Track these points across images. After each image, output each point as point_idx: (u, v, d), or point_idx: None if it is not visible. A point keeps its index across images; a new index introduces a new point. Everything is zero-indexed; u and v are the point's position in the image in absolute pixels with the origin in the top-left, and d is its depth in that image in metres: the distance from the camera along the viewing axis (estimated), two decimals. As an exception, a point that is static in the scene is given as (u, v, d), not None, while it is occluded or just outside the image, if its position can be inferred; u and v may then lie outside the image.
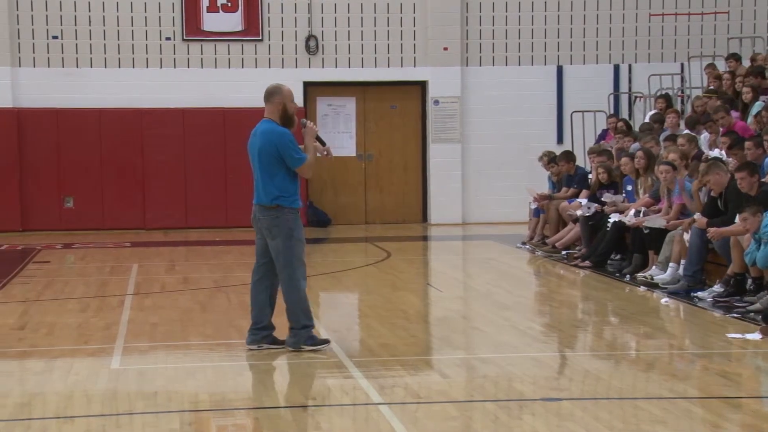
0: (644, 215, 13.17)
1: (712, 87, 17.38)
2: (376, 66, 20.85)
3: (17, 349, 9.22)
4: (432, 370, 8.34)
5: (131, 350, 9.14)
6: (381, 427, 6.69)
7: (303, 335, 8.71)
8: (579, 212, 14.67)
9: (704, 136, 14.97)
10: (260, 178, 8.66)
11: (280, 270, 8.67)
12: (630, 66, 21.22)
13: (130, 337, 9.62)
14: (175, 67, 20.38)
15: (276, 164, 8.58)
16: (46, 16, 20.04)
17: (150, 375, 8.13)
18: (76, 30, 20.12)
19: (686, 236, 12.02)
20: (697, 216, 11.89)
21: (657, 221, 12.67)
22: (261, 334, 8.79)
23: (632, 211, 13.42)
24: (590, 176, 15.95)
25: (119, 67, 20.26)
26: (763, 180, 11.49)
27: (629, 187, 14.42)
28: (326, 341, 8.84)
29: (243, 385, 7.61)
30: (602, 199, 14.53)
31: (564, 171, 16.46)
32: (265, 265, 8.80)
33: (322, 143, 8.93)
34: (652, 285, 12.20)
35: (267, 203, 8.62)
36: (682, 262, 12.04)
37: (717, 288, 11.20)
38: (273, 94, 8.69)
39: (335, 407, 7.14)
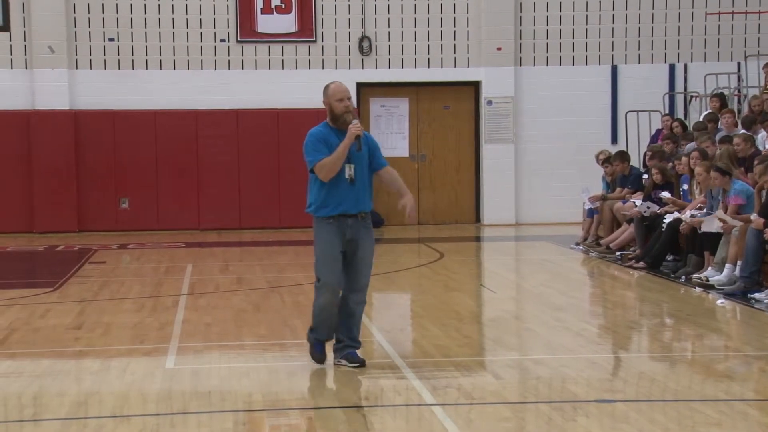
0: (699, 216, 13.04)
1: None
2: (429, 66, 20.84)
3: (74, 348, 9.32)
4: (485, 371, 8.32)
5: (186, 350, 9.21)
6: (434, 428, 6.68)
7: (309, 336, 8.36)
8: (645, 212, 14.44)
9: (762, 135, 14.79)
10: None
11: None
12: (686, 65, 21.02)
13: (184, 336, 9.68)
14: (229, 69, 20.51)
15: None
16: (103, 18, 20.26)
17: (204, 375, 8.19)
18: (132, 32, 20.33)
19: (716, 221, 12.00)
20: (754, 216, 11.75)
21: (713, 225, 12.49)
22: (342, 351, 8.29)
23: (688, 212, 13.27)
24: (645, 177, 15.82)
25: (174, 68, 20.43)
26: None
27: (685, 186, 14.29)
28: (320, 360, 8.26)
29: (296, 384, 7.63)
30: (660, 195, 14.37)
31: (618, 171, 16.35)
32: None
33: (356, 148, 8.30)
34: (707, 287, 12.08)
35: (307, 210, 8.33)
36: (739, 263, 11.90)
37: (774, 289, 11.06)
38: (323, 94, 8.36)
39: (388, 408, 7.14)
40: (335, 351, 8.25)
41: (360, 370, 8.09)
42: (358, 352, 8.24)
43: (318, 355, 8.26)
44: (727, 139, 14.36)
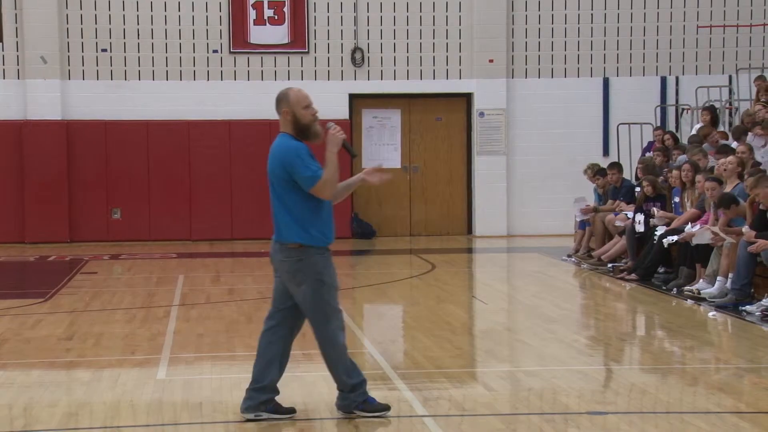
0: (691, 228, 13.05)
1: (763, 99, 17.21)
2: (421, 78, 20.88)
3: (65, 359, 9.31)
4: (477, 383, 8.32)
5: (177, 361, 9.19)
6: (425, 440, 6.68)
7: (353, 399, 7.09)
8: (637, 228, 14.43)
9: (749, 137, 14.91)
10: (275, 209, 6.94)
11: (312, 324, 7.06)
12: (677, 78, 21.08)
13: (176, 347, 9.67)
14: (221, 80, 20.52)
15: (290, 189, 6.85)
16: (95, 29, 20.26)
17: (196, 386, 8.17)
18: (124, 43, 20.33)
19: (708, 233, 11.97)
20: (745, 229, 11.78)
21: (704, 237, 12.51)
22: (260, 398, 7.05)
23: (690, 227, 13.25)
24: (637, 189, 15.85)
25: (167, 79, 20.43)
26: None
27: (676, 199, 14.32)
28: (386, 407, 7.13)
29: (288, 395, 7.61)
30: (650, 210, 14.40)
31: (613, 181, 16.38)
32: (284, 312, 7.09)
33: (352, 154, 7.37)
34: (699, 299, 12.10)
35: (287, 241, 6.92)
36: (730, 275, 11.92)
37: (766, 302, 11.07)
38: (279, 102, 6.98)
39: (379, 419, 7.12)
40: (259, 403, 7.06)
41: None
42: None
43: (381, 405, 7.15)
44: (725, 150, 14.37)
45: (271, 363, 7.07)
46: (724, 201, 12.33)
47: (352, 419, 7.05)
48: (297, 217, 6.87)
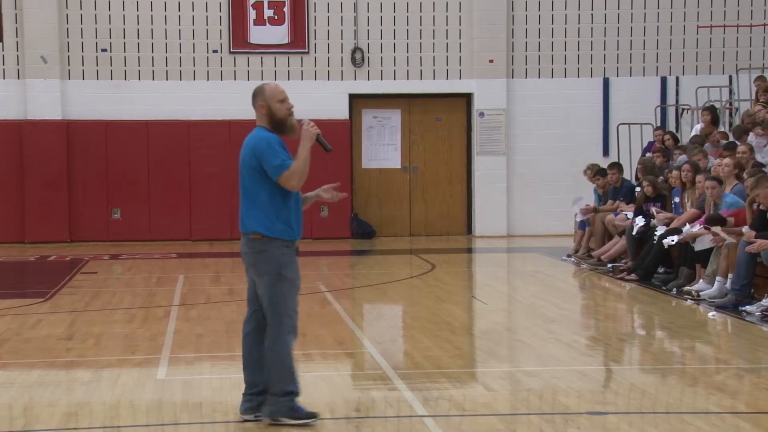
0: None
1: (763, 100, 17.22)
2: (421, 78, 20.87)
3: (65, 359, 9.30)
4: (477, 383, 8.32)
5: (177, 361, 9.19)
6: (425, 440, 6.68)
7: (283, 404, 6.88)
8: (634, 231, 14.44)
9: (750, 137, 14.91)
10: (242, 199, 6.92)
11: (267, 317, 6.90)
12: (677, 78, 21.08)
13: (176, 347, 9.67)
14: (221, 80, 20.52)
15: (259, 179, 6.83)
16: (95, 29, 20.25)
17: (195, 386, 8.17)
18: (124, 43, 20.32)
19: (708, 235, 11.98)
20: (745, 229, 11.78)
21: (705, 242, 12.49)
22: (257, 400, 6.99)
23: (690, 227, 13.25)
24: (637, 190, 15.86)
25: (167, 79, 20.43)
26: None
27: (677, 199, 14.32)
28: (313, 415, 6.91)
29: (288, 396, 7.61)
30: (650, 210, 14.40)
31: (613, 181, 16.38)
32: (260, 312, 6.98)
33: (326, 149, 7.09)
34: (699, 299, 12.09)
35: (251, 231, 6.84)
36: (730, 275, 11.92)
37: (765, 302, 11.07)
38: (255, 96, 7.11)
39: (379, 419, 7.13)
40: (258, 405, 6.98)
41: (352, 380, 8.06)
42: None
43: (308, 412, 6.94)
44: (732, 147, 14.38)
45: (259, 366, 6.98)
46: (712, 221, 12.34)
47: (351, 420, 7.04)
48: (262, 208, 6.80)
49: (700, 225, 12.90)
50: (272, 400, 6.90)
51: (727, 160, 13.13)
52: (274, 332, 6.85)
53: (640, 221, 14.43)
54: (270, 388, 6.90)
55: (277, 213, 6.80)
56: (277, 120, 6.99)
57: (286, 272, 6.81)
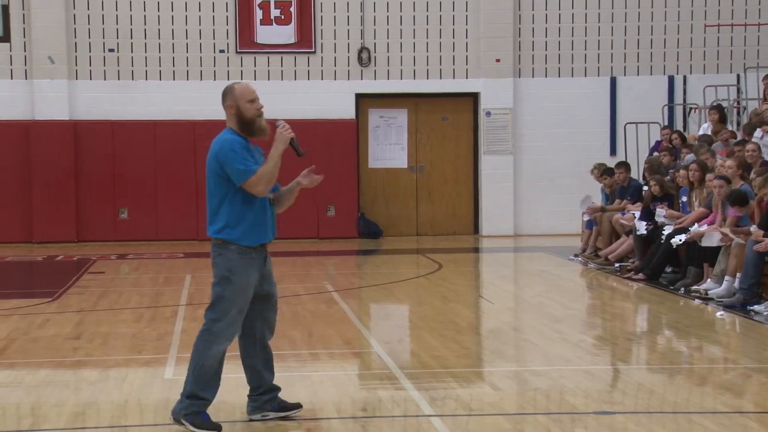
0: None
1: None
2: (428, 78, 20.87)
3: (72, 358, 9.31)
4: (483, 383, 8.31)
5: (184, 360, 9.16)
6: (432, 439, 6.67)
7: (188, 407, 6.67)
8: (638, 231, 14.44)
9: (757, 133, 14.87)
10: (207, 202, 6.77)
11: (205, 315, 6.79)
12: (685, 77, 21.05)
13: (183, 347, 9.66)
14: (228, 80, 20.51)
15: (221, 184, 6.65)
16: (103, 29, 20.28)
17: (202, 385, 8.16)
18: (131, 43, 20.35)
19: (716, 234, 11.94)
20: (753, 228, 11.75)
21: (713, 239, 12.47)
22: (263, 398, 6.98)
23: (697, 226, 13.22)
24: (644, 189, 15.84)
25: (174, 79, 20.45)
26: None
27: (684, 198, 14.30)
28: (217, 428, 6.66)
29: (294, 395, 7.60)
30: (656, 218, 14.39)
31: (621, 180, 16.36)
32: (247, 315, 6.87)
33: (298, 153, 6.84)
34: (706, 299, 12.08)
35: (212, 235, 6.74)
36: (738, 275, 11.90)
37: (773, 301, 11.06)
38: (224, 96, 6.96)
39: (386, 418, 7.13)
40: (263, 403, 6.98)
41: (359, 380, 8.06)
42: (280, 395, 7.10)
43: (213, 423, 6.70)
44: (742, 143, 14.35)
45: (257, 368, 6.94)
46: (734, 197, 12.30)
47: (358, 420, 7.04)
48: (224, 213, 6.65)
49: (708, 225, 12.88)
50: (181, 399, 6.76)
51: (729, 162, 13.09)
52: (203, 331, 6.71)
53: (641, 227, 14.41)
54: (184, 385, 6.78)
55: (237, 218, 6.63)
56: (246, 120, 6.79)
57: (235, 278, 6.64)
